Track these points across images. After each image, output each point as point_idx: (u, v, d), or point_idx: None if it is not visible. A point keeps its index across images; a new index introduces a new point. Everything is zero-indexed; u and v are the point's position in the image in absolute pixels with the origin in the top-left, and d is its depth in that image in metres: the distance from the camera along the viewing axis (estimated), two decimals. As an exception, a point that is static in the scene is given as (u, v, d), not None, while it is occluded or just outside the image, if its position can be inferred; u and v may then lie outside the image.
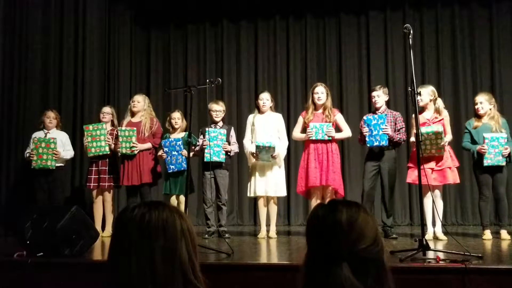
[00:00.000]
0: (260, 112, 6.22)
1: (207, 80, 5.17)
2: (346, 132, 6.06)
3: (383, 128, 5.65)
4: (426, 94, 5.72)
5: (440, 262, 3.58)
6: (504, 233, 5.47)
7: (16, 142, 6.58)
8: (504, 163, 5.51)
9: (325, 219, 1.38)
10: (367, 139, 5.72)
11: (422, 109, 5.75)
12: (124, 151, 6.18)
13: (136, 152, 6.19)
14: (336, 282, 1.28)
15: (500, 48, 8.15)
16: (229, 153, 6.23)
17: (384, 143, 5.69)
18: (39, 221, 4.14)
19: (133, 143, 6.15)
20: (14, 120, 6.58)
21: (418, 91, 4.46)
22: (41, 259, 3.94)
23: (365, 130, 5.72)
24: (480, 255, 3.77)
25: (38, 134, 6.20)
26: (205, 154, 6.01)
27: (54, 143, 6.09)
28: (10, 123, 6.57)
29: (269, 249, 5.09)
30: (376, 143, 5.68)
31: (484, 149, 5.45)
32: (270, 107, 6.25)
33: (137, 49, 8.88)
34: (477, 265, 3.46)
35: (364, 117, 5.91)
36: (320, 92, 5.95)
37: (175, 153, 6.06)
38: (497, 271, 3.45)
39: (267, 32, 8.77)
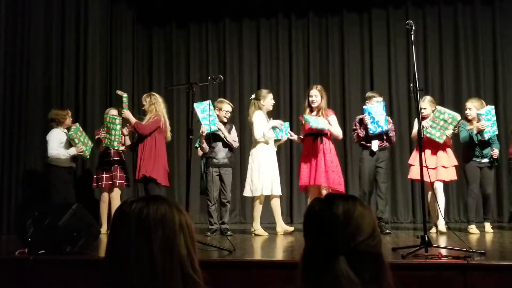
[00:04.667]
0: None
1: (209, 78, 5.16)
2: (337, 130, 6.12)
3: (383, 114, 5.90)
4: (428, 105, 6.07)
5: (442, 258, 3.56)
6: (487, 226, 5.99)
7: (18, 144, 6.55)
8: (497, 132, 5.96)
9: (322, 213, 1.36)
10: (369, 126, 5.89)
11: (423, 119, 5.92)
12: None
13: (123, 115, 6.11)
14: (333, 276, 1.27)
15: (503, 44, 8.14)
16: (230, 144, 6.24)
17: (386, 128, 5.94)
18: (40, 219, 4.13)
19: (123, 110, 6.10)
20: (15, 121, 6.55)
21: (421, 88, 4.44)
22: (42, 256, 3.94)
23: (367, 118, 5.91)
24: (482, 251, 3.75)
25: (61, 131, 6.25)
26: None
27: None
28: (12, 124, 6.54)
29: (271, 246, 5.08)
30: (378, 129, 5.89)
31: (483, 126, 5.77)
32: None
33: (139, 48, 8.90)
34: (479, 262, 3.45)
35: (364, 107, 6.11)
36: (314, 95, 6.07)
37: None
38: (499, 267, 3.43)
39: (269, 30, 8.77)
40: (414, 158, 6.04)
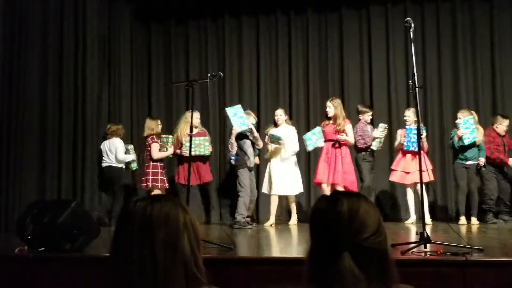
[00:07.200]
0: (276, 125, 7.03)
1: (209, 75, 5.15)
2: (351, 139, 6.83)
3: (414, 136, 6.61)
4: (412, 114, 6.84)
5: (441, 255, 3.58)
6: (474, 220, 6.70)
7: (16, 144, 6.52)
8: (476, 140, 6.71)
9: (327, 210, 1.37)
10: (405, 143, 6.81)
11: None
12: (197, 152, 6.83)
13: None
14: (338, 273, 1.28)
15: (501, 40, 8.14)
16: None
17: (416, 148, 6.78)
18: (40, 216, 4.12)
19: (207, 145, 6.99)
20: (12, 120, 6.51)
21: (420, 86, 4.44)
22: (42, 254, 3.94)
23: (462, 130, 6.68)
24: (480, 247, 3.77)
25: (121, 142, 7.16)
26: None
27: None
28: (8, 123, 6.49)
29: (271, 242, 5.09)
30: (412, 148, 6.72)
31: (461, 133, 6.64)
32: (285, 120, 7.06)
33: (137, 44, 8.85)
34: (478, 258, 3.47)
35: (407, 127, 6.86)
36: (328, 107, 6.86)
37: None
38: (497, 263, 3.45)
39: (268, 27, 8.76)
40: (396, 164, 7.07)
